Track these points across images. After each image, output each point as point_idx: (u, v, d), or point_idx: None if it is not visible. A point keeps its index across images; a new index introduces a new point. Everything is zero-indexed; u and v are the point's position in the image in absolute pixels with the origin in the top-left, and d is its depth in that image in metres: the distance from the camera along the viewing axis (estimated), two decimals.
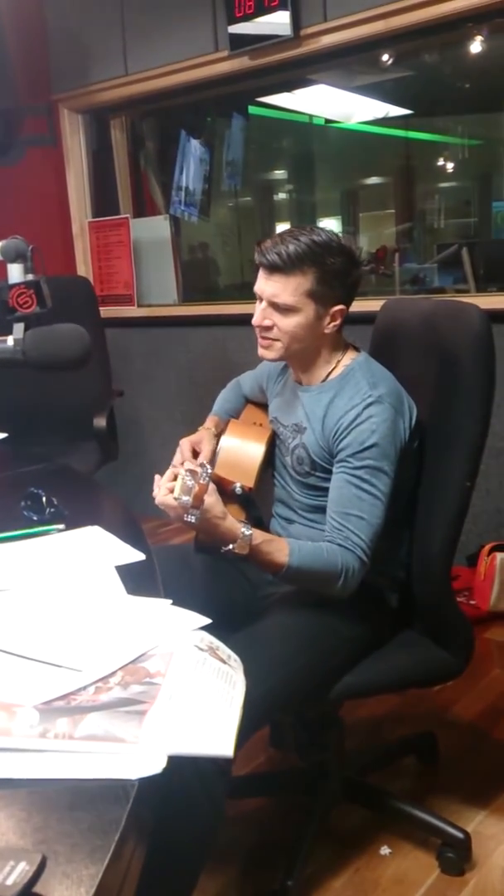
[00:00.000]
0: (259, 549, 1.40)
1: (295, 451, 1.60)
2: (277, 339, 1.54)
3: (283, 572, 1.41)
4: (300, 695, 1.48)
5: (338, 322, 1.54)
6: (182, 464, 1.56)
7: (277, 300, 1.50)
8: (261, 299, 1.54)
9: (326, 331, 1.54)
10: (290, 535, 1.60)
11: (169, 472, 1.43)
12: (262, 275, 1.53)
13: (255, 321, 1.55)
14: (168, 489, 1.38)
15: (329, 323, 1.53)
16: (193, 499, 1.27)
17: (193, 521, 1.30)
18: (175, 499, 1.30)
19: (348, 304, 1.55)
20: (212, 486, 1.34)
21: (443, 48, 3.50)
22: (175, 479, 1.36)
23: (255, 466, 1.57)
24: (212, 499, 1.34)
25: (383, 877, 1.65)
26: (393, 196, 6.15)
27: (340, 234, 1.55)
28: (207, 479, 1.31)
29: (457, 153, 6.01)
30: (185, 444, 1.69)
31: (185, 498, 1.27)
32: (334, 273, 1.50)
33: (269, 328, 1.54)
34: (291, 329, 1.51)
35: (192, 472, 1.29)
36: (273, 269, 1.49)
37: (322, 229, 1.52)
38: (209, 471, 1.32)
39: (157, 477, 1.43)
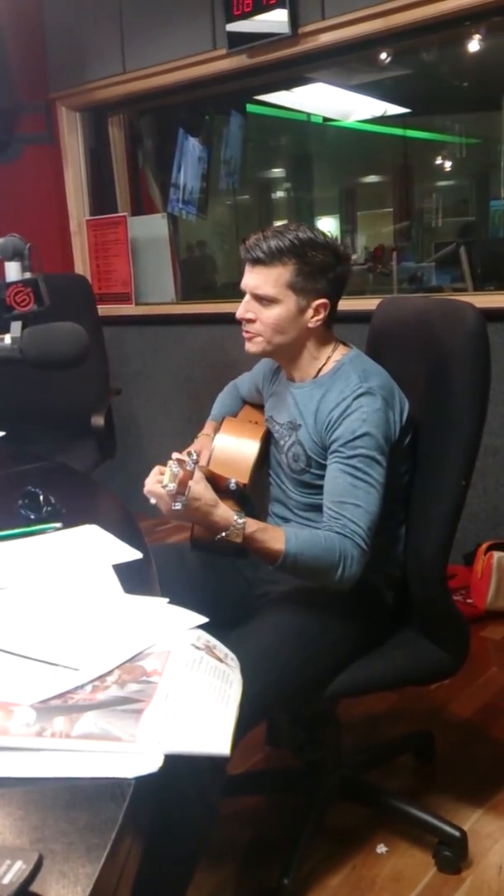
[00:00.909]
0: (254, 538, 1.37)
1: (290, 448, 1.60)
2: (259, 333, 1.55)
3: (280, 560, 1.38)
4: (296, 692, 1.48)
5: (321, 316, 1.54)
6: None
7: (259, 291, 1.52)
8: (245, 293, 1.55)
9: (310, 325, 1.54)
10: None
11: (159, 468, 1.43)
12: (246, 269, 1.55)
13: (238, 314, 1.56)
14: (156, 479, 1.38)
15: (312, 317, 1.53)
16: (178, 485, 1.27)
17: (179, 507, 1.30)
18: (163, 487, 1.30)
19: (333, 300, 1.55)
20: (199, 475, 1.34)
21: (441, 47, 3.50)
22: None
23: (249, 463, 1.58)
24: (199, 486, 1.33)
25: (380, 875, 1.65)
26: (391, 194, 6.15)
27: (331, 234, 1.55)
28: (193, 466, 1.31)
29: (455, 152, 6.02)
30: None
31: (171, 485, 1.27)
32: (316, 266, 1.50)
33: (251, 321, 1.55)
34: (272, 321, 1.52)
35: (180, 461, 1.30)
36: (256, 262, 1.51)
37: (311, 227, 1.53)
38: (195, 458, 1.32)
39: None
